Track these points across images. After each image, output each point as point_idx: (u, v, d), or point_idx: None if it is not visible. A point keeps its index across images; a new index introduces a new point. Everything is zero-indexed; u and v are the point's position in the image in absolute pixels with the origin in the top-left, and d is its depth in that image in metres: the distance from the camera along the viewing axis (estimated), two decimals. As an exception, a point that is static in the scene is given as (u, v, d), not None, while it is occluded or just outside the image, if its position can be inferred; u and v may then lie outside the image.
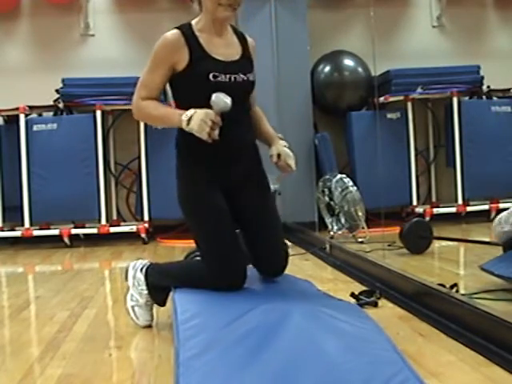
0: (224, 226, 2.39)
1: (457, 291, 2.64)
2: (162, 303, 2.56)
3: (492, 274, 2.80)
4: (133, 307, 2.56)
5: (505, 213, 3.01)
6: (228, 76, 2.35)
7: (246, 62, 2.46)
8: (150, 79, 2.43)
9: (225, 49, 2.42)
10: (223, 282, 2.33)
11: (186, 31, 2.40)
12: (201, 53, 2.36)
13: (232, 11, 2.35)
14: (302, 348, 1.71)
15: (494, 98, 5.85)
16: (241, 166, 2.49)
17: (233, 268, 2.37)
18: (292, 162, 2.53)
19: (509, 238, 2.96)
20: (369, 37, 4.95)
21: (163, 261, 2.51)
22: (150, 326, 2.56)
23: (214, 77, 2.33)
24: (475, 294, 2.66)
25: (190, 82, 2.36)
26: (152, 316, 2.58)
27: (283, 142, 2.60)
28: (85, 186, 5.43)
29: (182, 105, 2.36)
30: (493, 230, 3.06)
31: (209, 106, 2.25)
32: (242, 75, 2.39)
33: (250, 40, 2.55)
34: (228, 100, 2.25)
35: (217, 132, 2.24)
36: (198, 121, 2.21)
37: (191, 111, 2.25)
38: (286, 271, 2.62)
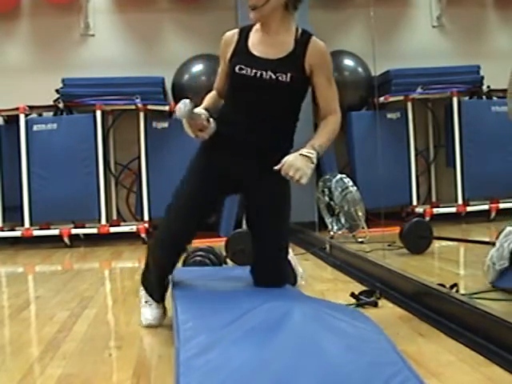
0: (185, 208, 2.44)
1: (457, 291, 2.64)
2: (159, 299, 2.58)
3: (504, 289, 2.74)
4: (140, 308, 2.64)
5: (493, 251, 2.88)
6: (254, 71, 2.34)
7: (287, 62, 2.37)
8: (218, 72, 2.56)
9: (268, 47, 2.39)
10: (154, 254, 2.48)
11: (243, 30, 2.48)
12: (243, 48, 2.42)
13: (254, 11, 2.36)
14: (303, 348, 1.71)
15: (494, 98, 5.85)
16: (253, 167, 2.42)
17: (166, 244, 2.44)
18: (292, 173, 2.23)
19: None
20: (369, 37, 4.95)
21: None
22: (154, 326, 2.56)
23: (240, 69, 2.36)
24: (475, 294, 2.66)
25: (227, 75, 2.45)
26: (154, 315, 2.57)
27: (305, 151, 2.33)
28: (85, 186, 5.43)
29: (225, 97, 2.50)
30: (488, 271, 2.82)
31: (235, 97, 2.42)
32: (270, 73, 2.33)
33: (315, 44, 2.45)
34: (183, 105, 2.27)
35: (206, 132, 2.36)
36: (184, 127, 2.38)
37: None
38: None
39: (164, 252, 2.46)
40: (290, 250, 2.75)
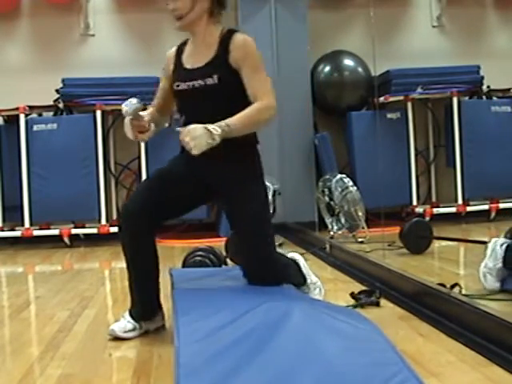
0: (149, 186, 2.53)
1: (460, 291, 2.64)
2: (136, 316, 2.46)
3: None
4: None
5: (486, 259, 2.81)
6: (187, 83, 2.42)
7: (213, 65, 2.40)
8: (159, 88, 2.62)
9: (197, 56, 2.45)
10: (121, 225, 2.45)
11: (180, 45, 2.56)
12: (178, 64, 2.50)
13: (178, 21, 2.42)
14: (302, 348, 1.71)
15: (494, 98, 5.85)
16: (215, 168, 2.42)
17: (126, 216, 2.43)
18: (188, 139, 2.18)
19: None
20: (369, 37, 4.95)
21: (162, 261, 2.49)
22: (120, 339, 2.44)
23: (177, 86, 2.45)
24: (476, 295, 2.66)
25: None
26: (122, 328, 2.44)
27: (212, 126, 2.21)
28: (85, 185, 5.43)
29: (178, 110, 2.57)
30: (486, 279, 2.78)
31: (183, 109, 2.50)
32: (200, 81, 2.39)
33: (236, 40, 2.41)
34: (130, 104, 2.34)
35: (146, 135, 2.47)
36: (125, 127, 2.45)
37: None
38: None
39: (123, 234, 2.40)
40: (301, 258, 2.74)
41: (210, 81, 2.37)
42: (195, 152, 2.17)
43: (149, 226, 2.41)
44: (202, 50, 2.44)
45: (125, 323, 2.43)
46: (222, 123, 2.22)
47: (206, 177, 2.46)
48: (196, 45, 2.47)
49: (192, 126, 2.20)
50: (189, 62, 2.47)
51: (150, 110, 2.55)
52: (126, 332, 2.41)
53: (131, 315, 2.45)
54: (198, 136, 2.17)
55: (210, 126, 2.19)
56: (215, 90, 2.38)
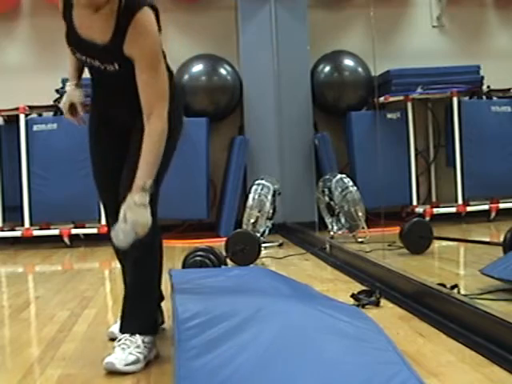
0: (95, 168, 2.36)
1: (458, 292, 2.64)
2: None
3: (492, 277, 2.80)
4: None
5: None
6: (84, 57, 2.15)
7: (110, 50, 2.07)
8: None
9: (91, 26, 2.08)
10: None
11: None
12: (70, 23, 2.14)
13: None
14: (303, 348, 1.71)
15: (494, 98, 5.85)
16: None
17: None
18: (139, 230, 2.00)
19: None
20: (369, 37, 4.95)
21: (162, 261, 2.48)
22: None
23: (73, 52, 2.18)
24: (476, 294, 2.66)
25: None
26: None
27: (139, 198, 2.00)
28: (85, 186, 5.40)
29: None
30: None
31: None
32: (98, 62, 2.12)
33: (135, 28, 2.02)
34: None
35: (77, 118, 2.41)
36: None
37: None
38: (287, 273, 2.62)
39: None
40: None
41: (110, 67, 2.10)
42: (145, 231, 1.99)
43: None
44: (96, 22, 2.07)
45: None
46: (145, 185, 1.99)
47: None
48: (88, 10, 2.07)
49: (122, 224, 1.97)
50: (82, 28, 2.10)
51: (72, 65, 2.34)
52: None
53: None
54: (139, 222, 1.97)
55: (136, 199, 1.97)
56: (117, 74, 2.11)
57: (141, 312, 2.18)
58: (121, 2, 2.03)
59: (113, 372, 2.02)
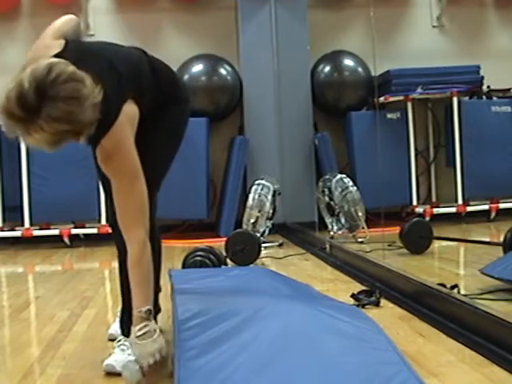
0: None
1: (458, 292, 2.64)
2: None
3: (492, 277, 2.80)
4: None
5: None
6: None
7: None
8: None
9: None
10: None
11: None
12: None
13: None
14: (303, 348, 1.71)
15: (494, 98, 5.85)
16: None
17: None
18: (147, 363, 1.89)
19: None
20: (369, 37, 4.96)
21: (163, 261, 2.47)
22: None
23: None
24: (476, 294, 2.66)
25: None
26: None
27: (140, 329, 1.90)
28: (85, 185, 5.41)
29: None
30: None
31: None
32: None
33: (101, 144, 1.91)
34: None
35: None
36: None
37: None
38: (287, 273, 2.61)
39: None
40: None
41: None
42: (162, 354, 1.89)
43: None
44: None
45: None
46: (141, 312, 1.89)
47: None
48: None
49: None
50: None
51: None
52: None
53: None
54: (147, 353, 1.86)
55: (137, 330, 1.87)
56: None
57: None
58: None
59: (112, 373, 2.02)
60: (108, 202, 2.21)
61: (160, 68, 2.25)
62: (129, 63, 2.10)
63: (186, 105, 2.34)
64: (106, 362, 2.04)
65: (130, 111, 1.97)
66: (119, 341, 2.12)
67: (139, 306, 1.90)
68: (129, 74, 2.02)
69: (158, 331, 1.92)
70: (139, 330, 1.89)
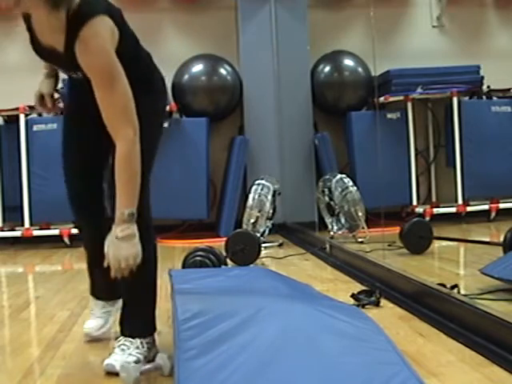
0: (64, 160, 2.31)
1: (458, 292, 2.64)
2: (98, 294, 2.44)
3: (492, 277, 2.80)
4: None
5: None
6: (48, 62, 2.15)
7: (68, 60, 1.96)
8: None
9: (44, 33, 2.01)
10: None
11: None
12: (30, 26, 2.09)
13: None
14: (303, 348, 1.71)
15: (494, 98, 5.85)
16: None
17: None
18: (124, 264, 1.90)
19: None
20: (369, 37, 4.95)
21: (162, 261, 2.46)
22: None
23: (37, 55, 2.10)
24: (476, 294, 2.66)
25: None
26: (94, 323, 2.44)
27: (121, 231, 1.91)
28: (85, 185, 5.42)
29: None
30: None
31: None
32: (63, 69, 2.10)
33: (81, 39, 1.88)
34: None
35: (47, 109, 2.28)
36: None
37: None
38: (287, 273, 2.61)
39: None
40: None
41: (74, 75, 2.03)
42: (139, 261, 1.92)
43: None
44: (49, 32, 1.97)
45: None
46: (124, 214, 1.89)
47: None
48: (40, 22, 1.98)
49: (110, 252, 1.89)
50: (41, 35, 2.01)
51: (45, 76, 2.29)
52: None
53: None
54: (125, 254, 1.89)
55: (118, 232, 1.88)
56: (84, 81, 1.97)
57: (140, 317, 2.15)
58: (68, 11, 1.88)
59: (112, 372, 2.02)
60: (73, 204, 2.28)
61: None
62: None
63: (159, 94, 2.25)
64: (107, 361, 2.04)
65: (111, 25, 1.99)
66: (119, 341, 2.12)
67: (123, 208, 1.89)
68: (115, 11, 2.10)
69: (137, 237, 1.92)
70: (121, 231, 1.89)
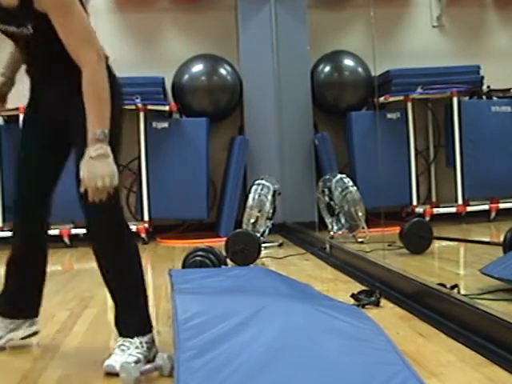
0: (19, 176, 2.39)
1: (458, 292, 2.64)
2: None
3: (492, 277, 2.80)
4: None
5: None
6: (2, 25, 2.06)
7: (20, 13, 1.97)
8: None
9: None
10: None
11: None
12: None
13: None
14: (303, 348, 1.71)
15: (494, 98, 5.85)
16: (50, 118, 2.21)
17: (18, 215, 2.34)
18: (101, 183, 1.95)
19: None
20: (369, 37, 4.95)
21: (162, 261, 2.47)
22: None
23: None
24: (476, 294, 2.66)
25: None
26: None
27: (94, 150, 1.92)
28: (85, 186, 5.42)
29: None
30: None
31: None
32: (14, 28, 2.03)
33: None
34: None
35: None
36: None
37: None
38: (287, 273, 2.61)
39: None
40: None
41: (25, 30, 2.01)
42: (116, 183, 1.94)
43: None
44: None
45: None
46: (96, 133, 1.89)
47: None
48: None
49: (85, 173, 1.96)
50: None
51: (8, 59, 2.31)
52: None
53: None
54: (102, 174, 1.91)
55: (92, 151, 1.90)
56: (35, 38, 2.02)
57: (133, 315, 2.15)
58: None
59: (112, 373, 2.02)
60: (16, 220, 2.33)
61: None
62: None
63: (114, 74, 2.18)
64: (107, 362, 2.03)
65: None
66: (118, 341, 2.12)
67: (94, 128, 1.90)
68: None
69: (111, 157, 1.92)
70: (94, 150, 1.89)
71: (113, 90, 2.00)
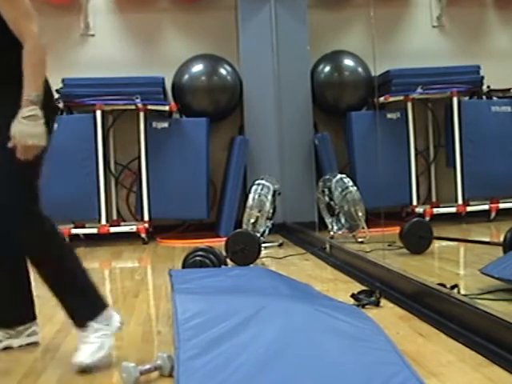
0: None
1: (458, 292, 2.64)
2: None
3: (492, 277, 2.81)
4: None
5: None
6: None
7: None
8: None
9: None
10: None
11: None
12: None
13: None
14: (303, 348, 1.71)
15: (494, 98, 5.85)
16: None
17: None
18: (31, 142, 2.02)
19: None
20: (369, 37, 4.95)
21: (162, 261, 2.47)
22: None
23: None
24: (476, 294, 2.66)
25: None
26: None
27: (28, 111, 1.99)
28: (85, 185, 5.42)
29: None
30: None
31: None
32: None
33: None
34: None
35: None
36: None
37: None
38: (287, 273, 2.61)
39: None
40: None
41: None
42: (43, 143, 2.05)
43: None
44: None
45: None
46: (30, 96, 1.97)
47: None
48: None
49: (16, 132, 1.96)
50: None
51: None
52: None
53: None
54: (31, 133, 1.97)
55: (25, 112, 1.96)
56: None
57: (77, 304, 2.19)
58: None
59: (112, 371, 2.03)
60: None
61: None
62: None
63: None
64: (75, 360, 2.06)
65: None
66: (78, 337, 2.14)
67: (30, 91, 1.99)
68: None
69: (42, 120, 2.00)
70: (27, 111, 1.97)
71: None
